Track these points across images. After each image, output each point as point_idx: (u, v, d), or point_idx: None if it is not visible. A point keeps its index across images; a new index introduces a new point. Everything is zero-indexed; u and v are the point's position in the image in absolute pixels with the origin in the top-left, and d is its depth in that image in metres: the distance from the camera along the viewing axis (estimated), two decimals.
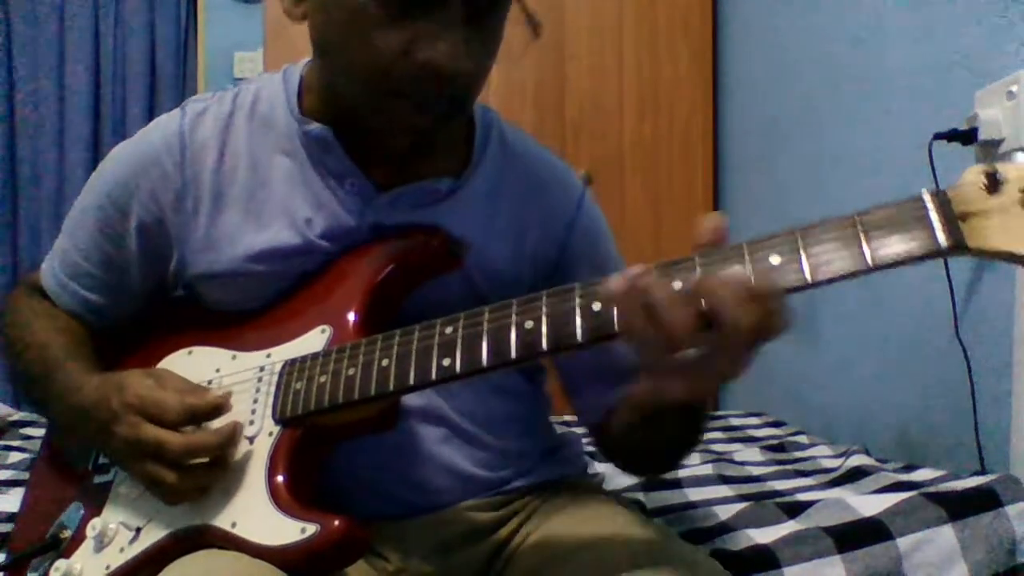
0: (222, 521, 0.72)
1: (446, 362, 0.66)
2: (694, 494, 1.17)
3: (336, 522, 0.67)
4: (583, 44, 2.42)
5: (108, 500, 0.81)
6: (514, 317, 0.64)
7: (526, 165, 0.90)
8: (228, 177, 0.83)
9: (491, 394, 0.88)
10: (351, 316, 0.77)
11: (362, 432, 0.75)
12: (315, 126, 0.82)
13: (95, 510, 0.82)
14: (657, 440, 0.80)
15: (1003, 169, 0.53)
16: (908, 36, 1.44)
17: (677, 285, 0.57)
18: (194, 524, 0.73)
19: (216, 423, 0.75)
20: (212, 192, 0.83)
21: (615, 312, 0.59)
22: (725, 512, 1.06)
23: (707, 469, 1.30)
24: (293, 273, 0.82)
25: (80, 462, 0.87)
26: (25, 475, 1.30)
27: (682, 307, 0.55)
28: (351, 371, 0.71)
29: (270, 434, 0.74)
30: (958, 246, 0.53)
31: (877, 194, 1.64)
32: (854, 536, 0.93)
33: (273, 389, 0.76)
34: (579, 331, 0.61)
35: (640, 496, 1.16)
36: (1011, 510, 0.96)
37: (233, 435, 0.74)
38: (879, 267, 0.54)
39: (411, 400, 0.81)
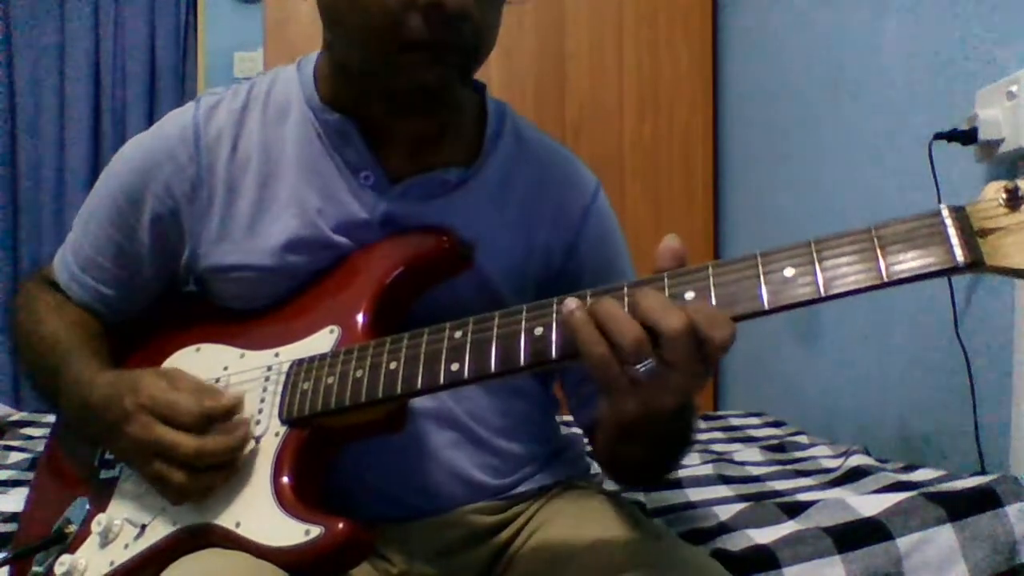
0: (226, 520, 0.72)
1: (454, 367, 0.66)
2: (694, 494, 1.17)
3: (340, 525, 0.67)
4: (583, 44, 2.42)
5: (114, 496, 0.81)
6: (524, 323, 0.64)
7: (539, 158, 0.90)
8: (242, 168, 0.84)
9: (505, 397, 0.88)
10: (360, 317, 0.77)
11: (369, 434, 0.75)
12: (335, 116, 0.82)
13: (100, 506, 0.82)
14: (635, 454, 0.79)
15: None
16: (908, 36, 1.44)
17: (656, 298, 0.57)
18: (198, 523, 0.73)
19: (228, 425, 0.75)
20: (226, 183, 0.83)
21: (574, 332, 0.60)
22: (725, 512, 1.06)
23: (707, 469, 1.30)
24: (304, 270, 0.82)
25: (86, 457, 0.87)
26: (25, 475, 1.31)
27: (628, 322, 0.56)
28: (359, 373, 0.71)
29: (276, 434, 0.74)
30: (976, 263, 0.52)
31: (877, 194, 1.64)
32: (854, 536, 0.93)
33: (280, 389, 0.76)
34: None
35: (640, 496, 1.16)
36: (1011, 510, 0.96)
37: (245, 439, 0.74)
38: (894, 282, 0.54)
39: (422, 402, 0.81)
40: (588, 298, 0.61)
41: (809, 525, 0.97)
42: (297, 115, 0.85)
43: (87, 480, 0.85)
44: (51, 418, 1.62)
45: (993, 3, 1.21)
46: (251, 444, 0.75)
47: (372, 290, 0.79)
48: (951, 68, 1.31)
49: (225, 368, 0.82)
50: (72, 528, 0.82)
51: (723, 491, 1.19)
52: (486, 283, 0.84)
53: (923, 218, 0.54)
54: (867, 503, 1.00)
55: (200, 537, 0.73)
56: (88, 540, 0.79)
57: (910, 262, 0.54)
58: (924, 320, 1.37)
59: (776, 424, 1.80)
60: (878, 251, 0.54)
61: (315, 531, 0.67)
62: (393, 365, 0.69)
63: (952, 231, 0.53)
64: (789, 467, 1.35)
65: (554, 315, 0.63)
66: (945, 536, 0.93)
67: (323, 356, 0.75)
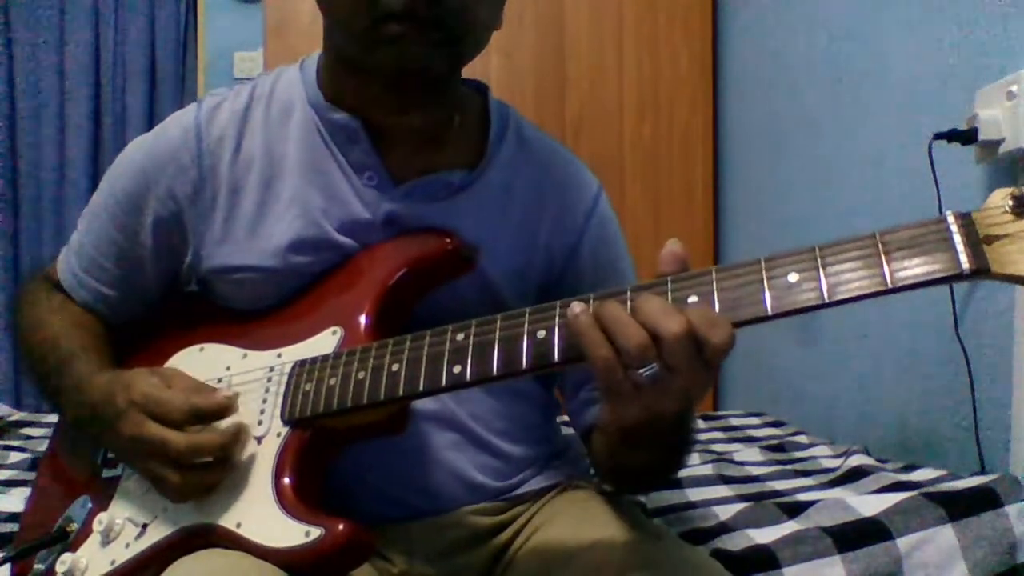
0: (227, 521, 0.72)
1: (457, 369, 0.66)
2: (694, 494, 1.17)
3: (341, 526, 0.67)
4: (583, 44, 2.42)
5: (115, 495, 0.82)
6: (527, 326, 0.64)
7: (542, 160, 0.90)
8: (245, 169, 0.84)
9: (507, 399, 0.88)
10: (363, 319, 0.77)
11: (371, 436, 0.75)
12: (341, 115, 0.82)
13: (102, 505, 0.82)
14: (637, 459, 0.78)
15: None
16: (908, 35, 1.44)
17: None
18: (200, 523, 0.73)
19: (222, 423, 0.75)
20: (229, 184, 0.83)
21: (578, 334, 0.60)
22: (725, 512, 1.06)
23: (707, 469, 1.30)
24: (306, 270, 0.82)
25: (88, 457, 0.87)
26: (25, 475, 1.31)
27: (633, 326, 0.56)
28: (361, 375, 0.71)
29: (278, 435, 0.74)
30: (981, 270, 0.52)
31: (877, 194, 1.64)
32: (854, 536, 0.93)
33: (283, 390, 0.76)
34: None
35: (640, 496, 1.16)
36: (1011, 510, 0.96)
37: (237, 435, 0.74)
38: (899, 289, 0.54)
39: (423, 404, 0.81)
40: (592, 301, 0.61)
41: (809, 525, 0.97)
42: (300, 115, 0.85)
43: (89, 479, 0.85)
44: (51, 418, 1.63)
45: (993, 3, 1.21)
46: (252, 445, 0.75)
47: (375, 291, 0.79)
48: (951, 68, 1.31)
49: (227, 368, 0.82)
50: (74, 527, 0.82)
51: (723, 491, 1.19)
52: (488, 285, 0.84)
53: (928, 224, 0.54)
54: (867, 503, 1.00)
55: (201, 537, 0.73)
56: (89, 539, 0.79)
57: (915, 268, 0.53)
58: (924, 320, 1.37)
59: (776, 424, 1.80)
60: (883, 257, 0.54)
61: (316, 532, 0.67)
62: (395, 367, 0.69)
63: (958, 238, 0.53)
64: (789, 467, 1.35)
65: (557, 318, 0.63)
66: (945, 536, 0.93)
67: (325, 357, 0.75)
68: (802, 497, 1.09)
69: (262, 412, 0.76)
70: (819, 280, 0.55)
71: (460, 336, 0.67)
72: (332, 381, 0.72)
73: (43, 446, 0.99)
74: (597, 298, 0.62)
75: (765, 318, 0.57)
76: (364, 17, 0.73)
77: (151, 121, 3.01)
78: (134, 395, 0.75)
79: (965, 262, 0.52)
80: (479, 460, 0.86)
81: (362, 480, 0.81)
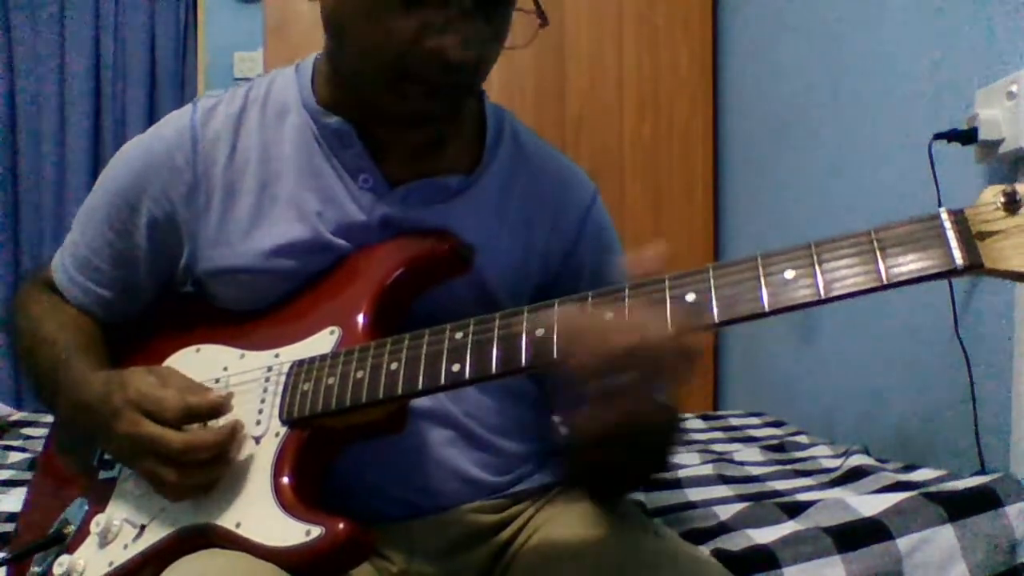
0: (226, 520, 0.72)
1: (455, 367, 0.66)
2: (694, 494, 1.17)
3: (341, 525, 0.67)
4: (583, 44, 2.42)
5: (113, 496, 0.82)
6: (525, 324, 0.64)
7: (538, 164, 0.91)
8: (240, 171, 0.84)
9: (502, 397, 0.88)
10: (360, 318, 0.77)
11: (370, 435, 0.75)
12: (334, 119, 0.83)
13: (99, 506, 0.82)
14: (616, 459, 0.78)
15: (1022, 189, 0.53)
16: (908, 35, 1.44)
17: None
18: (198, 523, 0.73)
19: (218, 422, 0.75)
20: (224, 187, 0.83)
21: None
22: (725, 512, 1.06)
23: (707, 469, 1.30)
24: (302, 272, 0.82)
25: (85, 458, 0.87)
26: (25, 475, 1.31)
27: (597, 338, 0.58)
28: (359, 374, 0.71)
29: (277, 435, 0.74)
30: (975, 266, 0.53)
31: (877, 194, 1.64)
32: (854, 536, 0.93)
33: (281, 389, 0.76)
34: None
35: (640, 496, 1.16)
36: (1011, 510, 0.96)
37: (232, 434, 0.74)
38: (894, 284, 0.54)
39: (419, 402, 0.81)
40: (589, 300, 0.61)
41: (809, 525, 0.97)
42: (295, 118, 0.85)
43: (86, 480, 0.85)
44: (51, 418, 1.62)
45: (993, 3, 1.21)
46: (251, 445, 0.75)
47: (372, 291, 0.79)
48: (951, 68, 1.31)
49: (225, 369, 0.82)
50: (71, 528, 0.82)
51: (723, 491, 1.19)
52: (484, 287, 0.84)
53: (922, 221, 0.55)
54: (867, 503, 1.00)
55: (200, 537, 0.73)
56: (87, 540, 0.79)
57: (909, 264, 0.54)
58: (924, 320, 1.37)
59: (776, 424, 1.80)
60: (878, 253, 0.55)
61: (315, 531, 0.67)
62: (394, 366, 0.69)
63: (951, 234, 0.54)
64: (789, 467, 1.35)
65: (556, 317, 0.63)
66: (945, 536, 0.93)
67: (323, 357, 0.75)
68: (802, 497, 1.10)
69: (260, 412, 0.76)
70: (815, 276, 0.56)
71: (459, 335, 0.67)
72: (331, 380, 0.72)
73: (43, 446, 0.99)
74: (595, 296, 0.62)
75: (762, 314, 0.57)
76: (387, 72, 0.75)
77: (151, 121, 2.97)
78: (130, 393, 0.75)
79: (958, 258, 0.53)
80: (475, 456, 0.86)
81: (361, 478, 0.81)
